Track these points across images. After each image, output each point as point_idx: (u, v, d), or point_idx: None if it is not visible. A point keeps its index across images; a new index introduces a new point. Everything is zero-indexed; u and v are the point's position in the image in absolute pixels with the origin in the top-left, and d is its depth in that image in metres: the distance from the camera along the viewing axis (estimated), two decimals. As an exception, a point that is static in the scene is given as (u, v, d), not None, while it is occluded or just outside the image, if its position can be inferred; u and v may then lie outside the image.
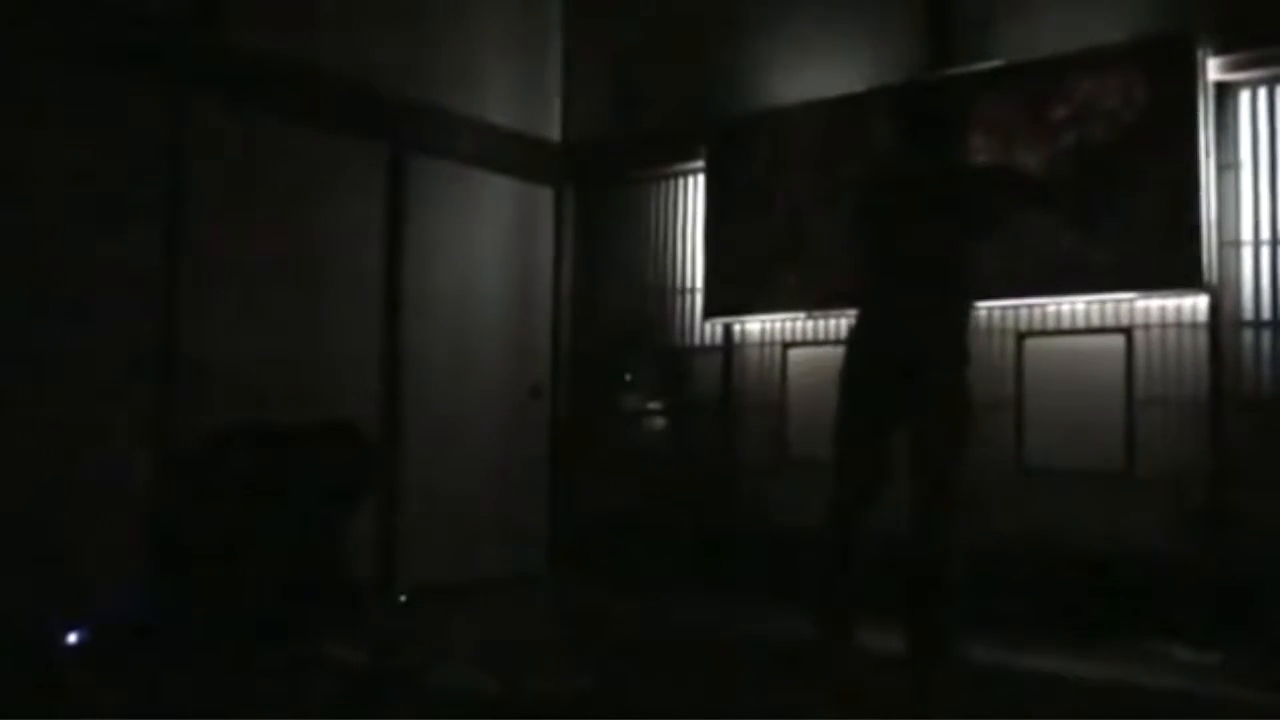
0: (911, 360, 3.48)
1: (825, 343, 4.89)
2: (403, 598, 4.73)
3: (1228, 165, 4.04)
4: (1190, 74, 3.96)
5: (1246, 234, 4.01)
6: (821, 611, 3.64)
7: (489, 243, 5.44)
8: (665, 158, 5.54)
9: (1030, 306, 4.38)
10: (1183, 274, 3.96)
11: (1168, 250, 3.97)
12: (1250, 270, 4.00)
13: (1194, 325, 4.04)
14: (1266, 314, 3.96)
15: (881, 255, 3.67)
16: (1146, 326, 4.15)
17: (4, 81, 3.68)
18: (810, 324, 5.02)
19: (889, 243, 3.65)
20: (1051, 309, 4.34)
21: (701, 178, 5.36)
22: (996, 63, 4.42)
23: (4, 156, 3.67)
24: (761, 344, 5.23)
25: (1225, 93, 4.05)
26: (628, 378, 5.71)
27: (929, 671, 3.33)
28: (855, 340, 3.70)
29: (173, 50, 4.14)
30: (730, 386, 5.29)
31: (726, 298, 5.23)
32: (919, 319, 3.48)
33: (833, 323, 4.87)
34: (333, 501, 4.24)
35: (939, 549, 3.40)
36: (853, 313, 3.75)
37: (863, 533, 3.60)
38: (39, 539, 3.64)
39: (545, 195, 5.78)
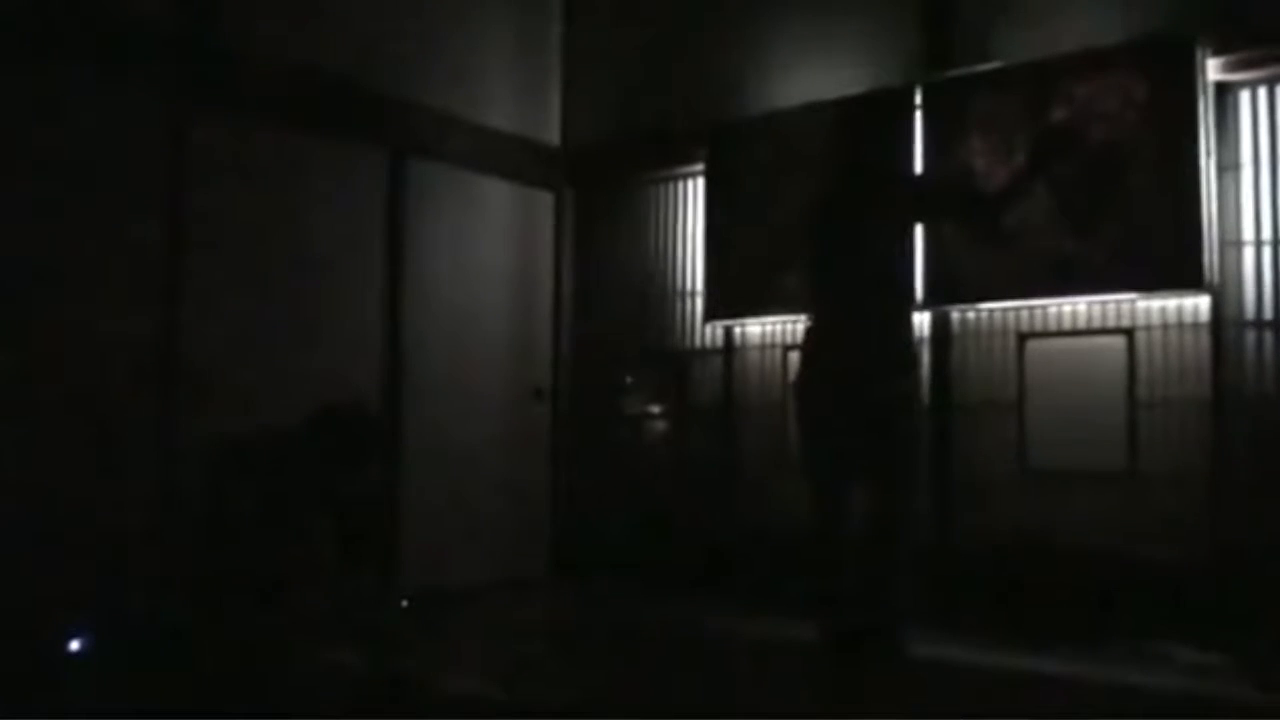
0: (845, 368, 3.56)
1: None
2: (404, 602, 4.72)
3: (1228, 166, 4.04)
4: (1190, 74, 3.96)
5: (1248, 234, 4.01)
6: (818, 611, 3.67)
7: (489, 246, 5.44)
8: (665, 160, 5.53)
9: (1031, 308, 4.37)
10: (1184, 274, 3.96)
11: (1169, 251, 3.97)
12: (1252, 270, 4.00)
13: (1195, 325, 4.04)
14: (1269, 314, 3.96)
15: (818, 266, 3.78)
16: (1148, 327, 4.14)
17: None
18: (811, 326, 5.02)
19: (825, 253, 3.75)
20: (1053, 310, 4.34)
21: (702, 180, 5.36)
22: (994, 65, 4.42)
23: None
24: (762, 346, 5.22)
25: (1225, 93, 4.05)
26: (628, 380, 5.71)
27: (874, 670, 3.40)
28: (800, 347, 3.79)
29: (171, 51, 4.14)
30: (731, 389, 5.29)
31: (727, 300, 5.22)
32: (849, 327, 3.57)
33: (834, 325, 4.87)
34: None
35: (887, 551, 3.47)
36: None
37: (849, 533, 3.65)
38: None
39: (545, 199, 5.78)
